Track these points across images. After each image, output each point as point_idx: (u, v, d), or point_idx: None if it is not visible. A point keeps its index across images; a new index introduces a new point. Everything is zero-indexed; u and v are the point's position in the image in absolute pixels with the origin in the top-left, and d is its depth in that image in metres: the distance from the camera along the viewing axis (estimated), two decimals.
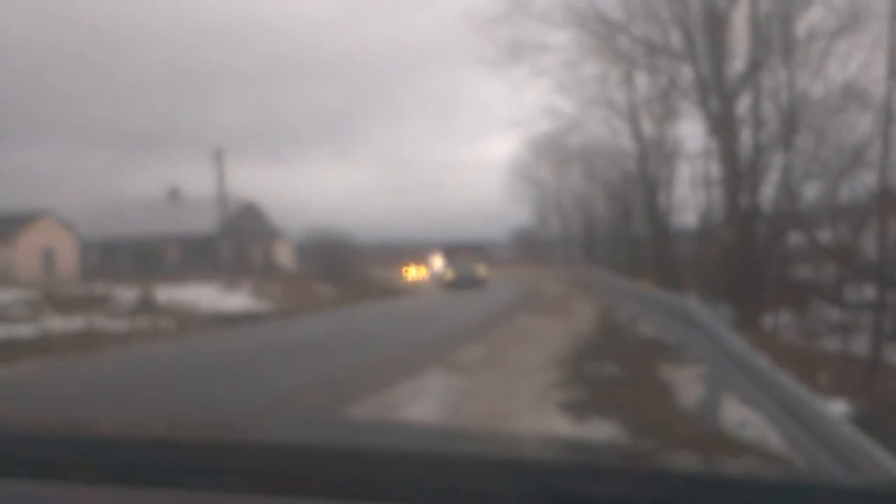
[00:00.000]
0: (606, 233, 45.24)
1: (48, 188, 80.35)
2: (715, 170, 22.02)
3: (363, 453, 1.21)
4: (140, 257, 42.54)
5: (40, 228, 40.25)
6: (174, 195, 51.37)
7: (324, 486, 1.05)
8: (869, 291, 20.27)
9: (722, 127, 18.65)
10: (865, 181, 22.74)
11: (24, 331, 12.75)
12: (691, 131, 26.04)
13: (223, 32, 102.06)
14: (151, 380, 8.87)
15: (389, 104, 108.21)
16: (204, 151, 40.90)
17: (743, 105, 19.63)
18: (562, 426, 6.04)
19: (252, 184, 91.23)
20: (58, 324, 13.79)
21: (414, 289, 34.94)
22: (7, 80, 77.00)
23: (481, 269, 35.60)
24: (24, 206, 41.83)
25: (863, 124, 20.46)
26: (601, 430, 5.77)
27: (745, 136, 19.89)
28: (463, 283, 33.80)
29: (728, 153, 18.78)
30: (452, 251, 37.27)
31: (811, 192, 22.41)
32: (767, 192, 20.67)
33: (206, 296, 20.27)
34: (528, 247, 63.55)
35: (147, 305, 17.30)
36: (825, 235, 22.32)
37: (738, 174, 19.03)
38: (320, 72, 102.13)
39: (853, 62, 19.20)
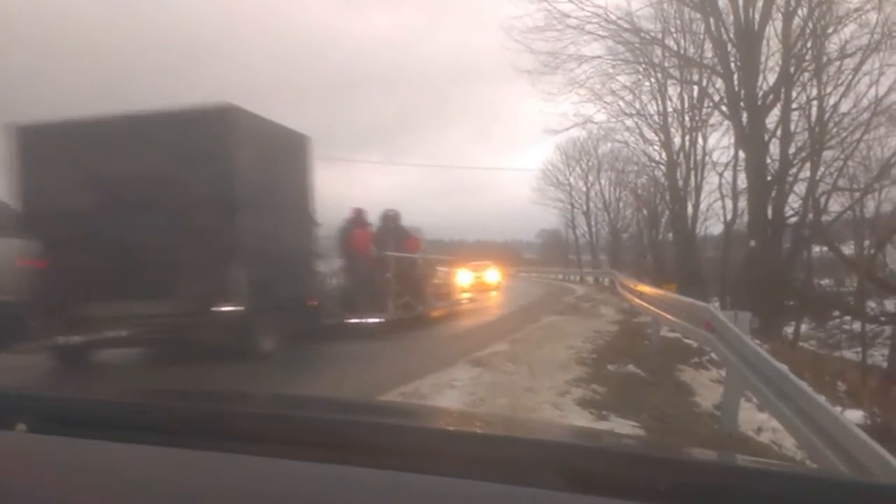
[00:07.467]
0: (632, 238, 45.72)
1: None
2: (742, 180, 22.51)
3: (383, 428, 1.26)
4: None
5: None
6: None
7: (359, 457, 1.07)
8: (890, 304, 20.47)
9: (751, 139, 18.87)
10: (891, 196, 23.01)
11: None
12: (720, 142, 26.14)
13: (290, 46, 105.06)
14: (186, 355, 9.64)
15: (437, 113, 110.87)
16: None
17: (772, 118, 19.84)
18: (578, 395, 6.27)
19: None
20: None
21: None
22: (88, 84, 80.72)
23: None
24: None
25: (891, 140, 20.77)
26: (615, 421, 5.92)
27: (774, 149, 20.26)
28: None
29: (756, 165, 18.95)
30: None
31: (837, 205, 22.73)
32: (793, 203, 21.04)
33: None
34: (555, 249, 63.99)
35: None
36: (849, 248, 22.53)
37: (765, 185, 19.24)
38: (377, 83, 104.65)
39: (884, 79, 19.55)
